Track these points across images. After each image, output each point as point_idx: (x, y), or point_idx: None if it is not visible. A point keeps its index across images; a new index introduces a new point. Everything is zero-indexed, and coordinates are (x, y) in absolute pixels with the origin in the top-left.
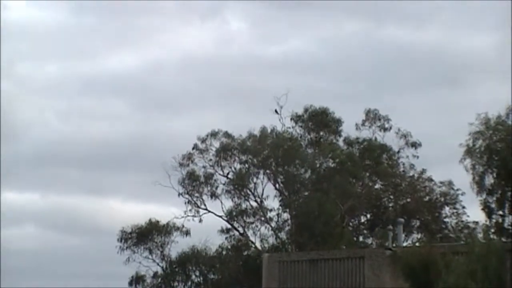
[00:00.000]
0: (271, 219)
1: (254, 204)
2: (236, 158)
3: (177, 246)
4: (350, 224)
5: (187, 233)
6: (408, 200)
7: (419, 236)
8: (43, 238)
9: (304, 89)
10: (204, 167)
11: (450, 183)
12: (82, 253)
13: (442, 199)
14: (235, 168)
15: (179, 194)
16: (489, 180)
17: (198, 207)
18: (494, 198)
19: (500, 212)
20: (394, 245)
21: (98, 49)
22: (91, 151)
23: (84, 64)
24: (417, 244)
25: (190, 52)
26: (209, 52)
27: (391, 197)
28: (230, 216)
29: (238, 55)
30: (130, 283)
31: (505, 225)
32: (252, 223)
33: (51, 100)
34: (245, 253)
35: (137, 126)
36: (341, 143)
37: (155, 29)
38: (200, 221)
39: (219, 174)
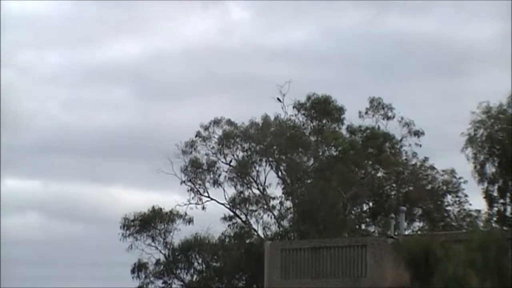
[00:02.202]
0: (273, 207)
1: (257, 192)
2: (239, 146)
3: (180, 233)
4: (353, 212)
5: (190, 220)
6: (411, 188)
7: (421, 224)
8: (45, 226)
9: (306, 78)
10: (206, 154)
11: (452, 172)
12: (84, 241)
13: (444, 188)
14: (237, 156)
15: (182, 182)
16: (491, 169)
17: (201, 194)
18: (496, 187)
19: (502, 201)
20: (396, 233)
21: (100, 38)
22: (93, 140)
23: (86, 53)
24: (419, 232)
25: (192, 41)
26: (211, 41)
27: (394, 185)
28: (233, 203)
29: (240, 45)
30: (133, 271)
31: (507, 214)
32: (255, 211)
33: (54, 89)
34: (248, 241)
35: (139, 114)
36: (343, 131)
37: (157, 18)
38: (203, 208)
39: (222, 161)
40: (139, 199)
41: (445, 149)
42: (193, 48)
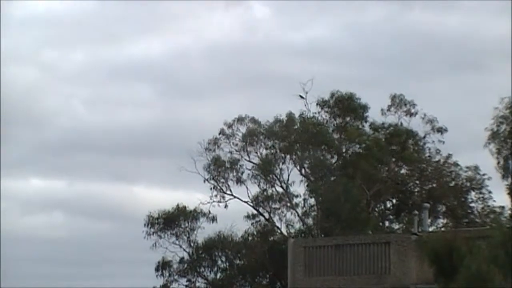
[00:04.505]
0: (297, 204)
1: (280, 189)
2: (262, 144)
3: (204, 231)
4: (376, 209)
5: (214, 219)
6: (434, 185)
7: (444, 221)
8: (69, 225)
9: (329, 75)
10: (230, 152)
11: (476, 168)
12: (108, 239)
13: (468, 184)
14: (261, 154)
15: (205, 180)
16: None
17: (224, 192)
18: None
19: None
20: (419, 230)
21: (124, 36)
22: (117, 138)
23: (110, 51)
24: (442, 229)
25: (215, 39)
26: (234, 39)
27: (417, 182)
28: (256, 201)
29: (263, 42)
30: (157, 269)
31: None
32: (278, 208)
33: (77, 87)
34: (271, 238)
35: (162, 112)
36: (367, 128)
37: (180, 16)
38: (226, 206)
39: (245, 159)
40: (163, 198)
41: (468, 145)
42: (216, 46)
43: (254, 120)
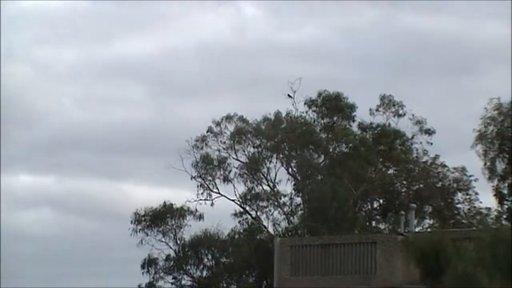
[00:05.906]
0: (284, 203)
1: (267, 188)
2: (250, 142)
3: (190, 229)
4: (363, 209)
5: (200, 217)
6: (421, 185)
7: (431, 222)
8: (58, 221)
9: (320, 76)
10: (218, 150)
11: (463, 169)
12: (96, 237)
13: (455, 185)
14: (248, 152)
15: (192, 178)
16: (501, 166)
17: (211, 190)
18: (506, 184)
19: None
20: (406, 230)
21: (115, 35)
22: (107, 136)
23: (102, 50)
24: (429, 230)
25: (206, 39)
26: (225, 39)
27: (404, 182)
28: (244, 199)
29: (253, 42)
30: (143, 266)
31: None
32: (265, 207)
33: (68, 86)
34: (258, 237)
35: (152, 112)
36: (355, 128)
37: (171, 15)
38: (212, 204)
39: (233, 158)
40: (152, 195)
41: (456, 146)
42: (207, 46)
43: (242, 119)
